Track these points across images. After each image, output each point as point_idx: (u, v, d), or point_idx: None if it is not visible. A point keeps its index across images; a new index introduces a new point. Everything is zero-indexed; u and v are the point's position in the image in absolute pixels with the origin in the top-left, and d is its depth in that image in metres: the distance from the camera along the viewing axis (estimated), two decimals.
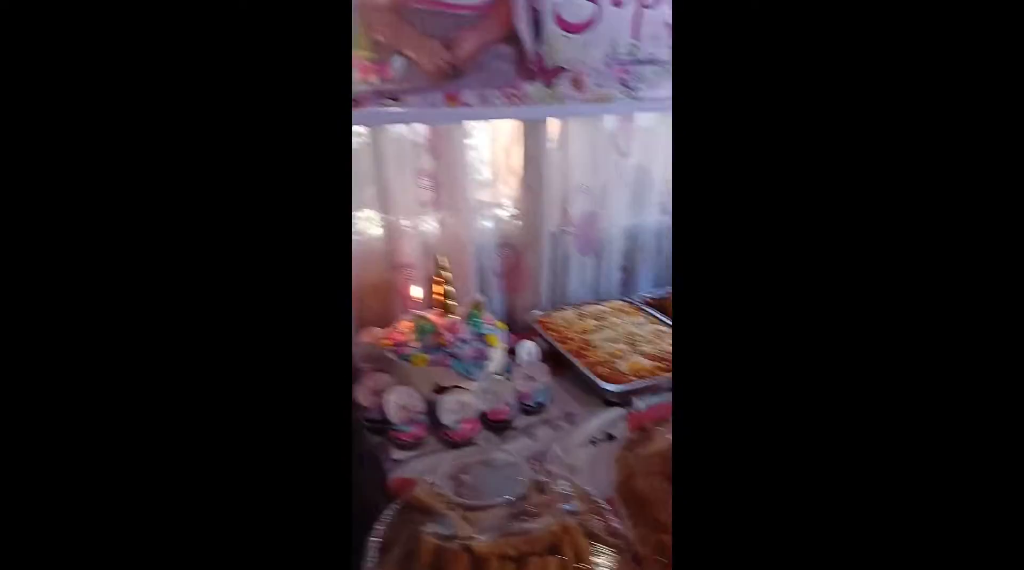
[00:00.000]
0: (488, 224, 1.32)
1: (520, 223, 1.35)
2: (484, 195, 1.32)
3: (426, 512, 0.87)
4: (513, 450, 0.98)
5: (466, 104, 1.14)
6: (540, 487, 0.88)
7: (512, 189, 1.35)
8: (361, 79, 1.03)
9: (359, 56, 1.02)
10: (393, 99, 1.07)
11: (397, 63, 1.06)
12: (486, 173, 1.32)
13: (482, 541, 0.79)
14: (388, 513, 0.89)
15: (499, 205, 1.36)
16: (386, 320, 1.21)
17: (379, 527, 0.87)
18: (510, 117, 1.23)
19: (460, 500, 0.87)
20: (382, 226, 1.20)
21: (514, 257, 1.36)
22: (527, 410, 1.08)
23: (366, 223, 1.23)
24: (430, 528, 0.84)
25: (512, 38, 1.12)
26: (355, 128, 1.10)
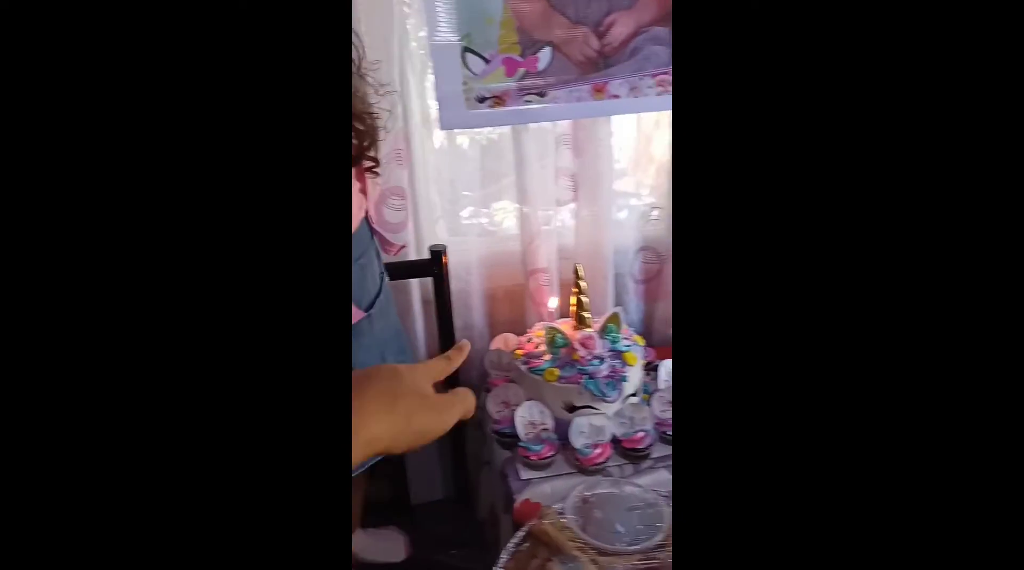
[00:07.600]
0: (629, 226, 1.21)
1: (665, 224, 1.22)
2: (623, 186, 1.21)
3: (553, 549, 0.83)
4: (648, 484, 0.90)
5: (614, 96, 1.04)
6: None
7: (652, 180, 1.21)
8: (508, 75, 0.96)
9: (506, 51, 0.95)
10: (539, 95, 0.99)
11: (545, 55, 0.97)
12: (625, 162, 1.21)
13: None
14: (514, 542, 0.86)
15: (638, 198, 1.23)
16: (519, 327, 1.16)
17: (504, 557, 0.84)
18: (660, 109, 1.10)
19: (592, 542, 0.81)
20: (518, 228, 1.14)
21: (657, 262, 1.24)
22: (666, 439, 0.99)
23: (502, 216, 1.18)
24: (557, 568, 0.80)
25: (669, 18, 1.00)
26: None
